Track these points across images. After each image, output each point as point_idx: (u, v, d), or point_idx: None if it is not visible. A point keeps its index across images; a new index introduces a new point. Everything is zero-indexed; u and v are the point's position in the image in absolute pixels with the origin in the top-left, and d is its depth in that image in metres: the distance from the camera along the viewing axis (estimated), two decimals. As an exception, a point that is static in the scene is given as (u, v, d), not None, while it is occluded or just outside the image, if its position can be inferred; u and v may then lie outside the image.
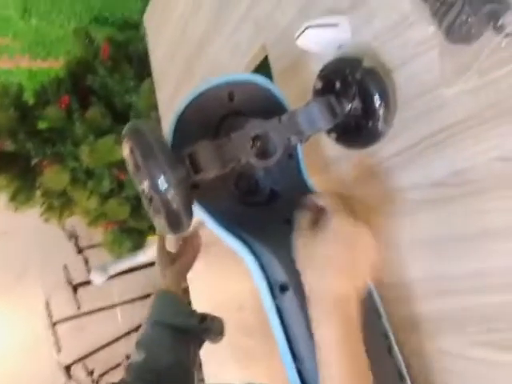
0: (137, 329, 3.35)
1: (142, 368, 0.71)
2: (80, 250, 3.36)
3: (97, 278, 1.11)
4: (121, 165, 1.76)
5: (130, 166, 0.54)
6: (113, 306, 3.29)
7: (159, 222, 0.53)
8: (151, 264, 3.17)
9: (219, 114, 0.64)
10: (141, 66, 1.85)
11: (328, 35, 0.65)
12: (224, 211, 0.61)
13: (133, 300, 3.33)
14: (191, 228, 0.80)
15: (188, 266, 0.90)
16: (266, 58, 0.90)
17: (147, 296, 3.41)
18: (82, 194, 1.81)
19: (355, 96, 0.60)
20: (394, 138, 0.60)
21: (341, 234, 0.51)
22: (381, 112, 0.58)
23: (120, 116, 1.81)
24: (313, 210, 0.57)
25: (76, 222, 3.40)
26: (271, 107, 0.64)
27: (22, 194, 1.80)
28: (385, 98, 0.58)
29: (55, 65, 2.48)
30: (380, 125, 0.58)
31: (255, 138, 0.57)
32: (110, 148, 1.67)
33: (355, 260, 0.50)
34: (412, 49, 0.55)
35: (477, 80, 0.46)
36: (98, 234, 3.44)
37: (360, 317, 0.49)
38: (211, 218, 0.60)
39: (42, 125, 1.90)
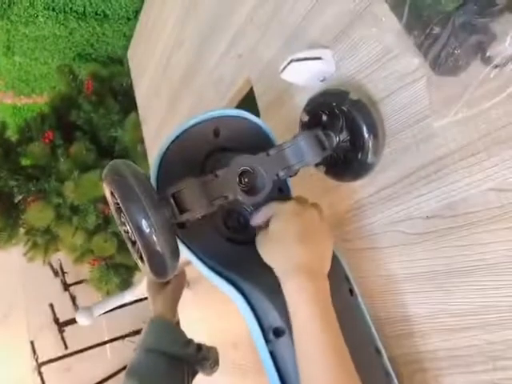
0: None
1: None
2: (67, 287, 3.28)
3: (83, 320, 1.07)
4: (106, 200, 1.73)
5: (112, 209, 0.52)
6: (102, 344, 3.20)
7: (143, 265, 0.50)
8: (141, 299, 3.11)
9: (205, 151, 0.62)
10: (125, 100, 1.85)
11: (312, 68, 0.64)
12: (212, 251, 0.59)
13: (123, 336, 3.24)
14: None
15: (178, 292, 0.89)
16: (251, 91, 0.89)
17: (137, 332, 3.32)
18: (67, 230, 1.77)
19: (343, 128, 0.59)
20: (384, 170, 0.59)
21: (283, 215, 0.52)
22: (370, 144, 0.57)
23: (105, 150, 1.79)
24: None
25: (62, 257, 3.34)
26: (258, 142, 0.62)
27: (4, 233, 1.75)
28: (373, 129, 0.57)
29: (39, 101, 2.47)
30: (369, 157, 0.57)
31: (242, 174, 0.55)
32: (95, 183, 1.64)
33: (304, 230, 0.51)
34: (398, 80, 0.55)
35: (466, 111, 0.45)
36: (85, 270, 3.37)
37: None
38: (198, 259, 0.57)
39: (25, 161, 1.87)
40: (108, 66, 2.29)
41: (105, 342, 3.22)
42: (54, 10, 2.07)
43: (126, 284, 1.90)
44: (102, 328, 3.33)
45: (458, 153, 0.49)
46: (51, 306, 3.10)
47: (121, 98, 1.82)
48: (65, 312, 3.08)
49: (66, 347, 3.05)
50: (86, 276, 3.28)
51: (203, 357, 0.78)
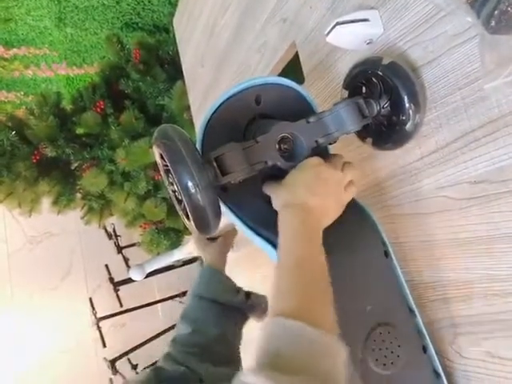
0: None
1: (188, 341, 0.73)
2: (120, 250, 3.47)
3: (135, 276, 1.15)
4: (156, 166, 1.79)
5: (161, 170, 0.56)
6: (153, 303, 3.38)
7: (189, 222, 0.54)
8: (190, 261, 3.24)
9: (246, 118, 0.63)
10: (172, 69, 1.88)
11: (358, 31, 0.63)
12: (252, 213, 0.61)
13: (172, 297, 3.41)
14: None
15: (227, 245, 0.92)
16: (296, 56, 0.89)
17: (186, 293, 3.48)
18: (119, 195, 1.86)
19: (382, 94, 0.59)
20: (431, 134, 0.58)
21: (303, 165, 0.55)
22: (409, 104, 0.57)
23: (153, 118, 1.84)
24: None
25: (116, 221, 3.52)
26: (299, 109, 0.63)
27: (63, 198, 1.86)
28: (410, 89, 0.57)
29: (91, 70, 2.56)
30: (410, 118, 0.57)
31: (282, 140, 0.57)
32: (144, 150, 1.70)
33: (316, 182, 0.54)
34: (448, 41, 0.53)
35: (520, 72, 0.43)
36: (137, 233, 3.54)
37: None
38: (240, 219, 0.60)
39: (79, 130, 1.96)
40: (154, 35, 2.32)
41: (156, 302, 3.39)
42: (101, -21, 2.11)
43: (175, 247, 1.98)
44: (154, 288, 3.51)
45: (511, 115, 0.47)
46: (106, 266, 3.29)
47: (167, 66, 1.85)
48: (119, 272, 3.27)
49: (121, 305, 3.25)
50: (138, 239, 3.45)
51: (252, 304, 0.82)
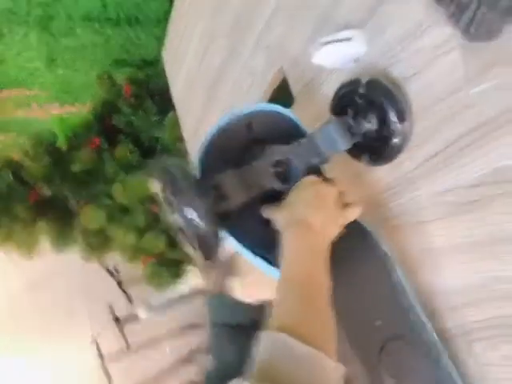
0: (186, 360, 3.36)
1: (214, 377, 0.72)
2: (121, 286, 3.43)
3: (142, 313, 1.14)
4: (153, 199, 1.80)
5: (162, 201, 0.56)
6: (160, 341, 3.32)
7: (192, 250, 0.54)
8: (195, 294, 3.20)
9: (241, 144, 0.65)
10: (162, 101, 1.91)
11: (343, 50, 0.65)
12: (253, 237, 0.62)
13: (180, 331, 3.35)
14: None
15: (230, 270, 0.92)
16: (285, 80, 0.91)
17: (194, 326, 3.43)
18: (118, 230, 1.85)
19: (367, 112, 0.61)
20: (422, 143, 0.59)
21: (300, 185, 0.57)
22: (394, 116, 0.58)
23: (148, 151, 1.86)
24: None
25: (116, 257, 3.49)
26: (289, 132, 0.65)
27: (62, 237, 1.86)
28: (393, 102, 0.58)
29: (83, 109, 2.59)
30: (399, 128, 0.58)
31: (277, 164, 0.58)
32: (141, 183, 1.71)
33: (315, 198, 0.55)
34: (429, 53, 0.54)
35: (503, 74, 0.44)
36: (138, 268, 3.51)
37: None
38: (241, 244, 0.61)
39: (74, 168, 1.97)
40: (143, 69, 2.36)
41: (163, 338, 3.33)
42: (90, 20, 2.16)
43: (176, 277, 1.97)
44: (160, 324, 3.46)
45: (499, 118, 0.48)
46: (110, 305, 3.24)
47: (158, 98, 1.88)
48: (123, 310, 3.23)
49: (128, 345, 3.19)
50: (139, 274, 3.42)
51: (263, 316, 0.82)
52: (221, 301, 0.83)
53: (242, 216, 0.60)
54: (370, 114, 0.61)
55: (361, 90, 0.62)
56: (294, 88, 0.85)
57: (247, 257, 0.60)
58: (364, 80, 0.61)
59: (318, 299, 0.47)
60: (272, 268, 0.58)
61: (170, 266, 1.93)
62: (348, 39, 0.64)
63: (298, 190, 0.57)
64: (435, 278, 0.62)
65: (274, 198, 0.63)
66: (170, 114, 1.74)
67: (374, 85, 0.61)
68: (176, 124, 1.75)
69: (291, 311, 0.46)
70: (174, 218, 0.54)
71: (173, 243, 1.90)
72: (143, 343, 3.17)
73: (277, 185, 0.58)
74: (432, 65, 0.54)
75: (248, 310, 0.82)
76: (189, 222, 0.48)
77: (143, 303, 1.13)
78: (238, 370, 0.73)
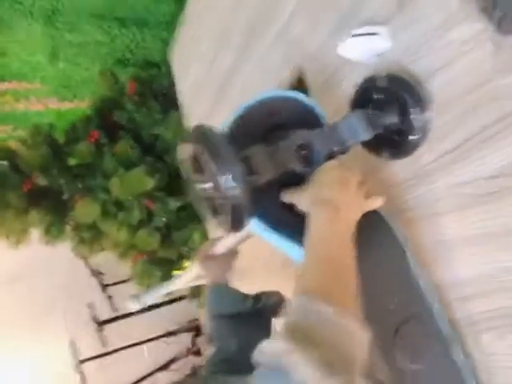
0: (164, 366, 3.30)
1: (214, 361, 0.73)
2: (104, 288, 3.37)
3: (132, 306, 1.12)
4: (150, 194, 1.80)
5: (190, 169, 0.57)
6: (139, 344, 3.26)
7: (220, 220, 0.55)
8: (176, 300, 3.16)
9: (264, 127, 0.66)
10: (165, 101, 1.92)
11: (368, 43, 0.67)
12: (272, 218, 0.63)
13: (159, 337, 3.30)
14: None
15: (229, 263, 0.94)
16: (299, 79, 0.93)
17: (172, 333, 3.38)
18: (111, 225, 1.84)
19: (388, 106, 0.64)
20: (442, 137, 0.61)
21: (324, 169, 0.59)
22: (414, 109, 0.61)
23: (147, 148, 1.86)
24: None
25: (100, 259, 3.45)
26: (309, 121, 0.67)
27: (54, 228, 1.83)
28: (414, 95, 0.61)
29: (82, 105, 2.58)
30: (419, 122, 0.61)
31: (300, 147, 0.60)
32: (139, 179, 1.71)
33: (338, 182, 0.57)
34: (455, 48, 0.57)
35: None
36: (121, 271, 3.47)
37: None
38: (263, 222, 0.62)
39: (71, 161, 1.96)
40: (146, 70, 2.38)
41: (142, 342, 3.28)
42: (98, 17, 2.17)
43: (167, 278, 1.94)
44: (139, 328, 3.40)
45: (523, 111, 0.51)
46: (90, 305, 3.19)
47: (161, 98, 1.89)
48: (103, 311, 3.17)
49: (105, 346, 3.13)
50: (123, 277, 3.38)
51: (264, 305, 0.82)
52: (221, 291, 0.86)
53: (261, 199, 0.61)
54: (391, 108, 0.64)
55: (382, 85, 0.64)
56: (313, 84, 0.87)
57: (267, 235, 0.61)
58: (385, 74, 0.64)
59: (344, 272, 0.49)
60: (291, 244, 0.60)
61: (161, 264, 1.92)
62: (374, 34, 0.67)
63: (322, 172, 0.59)
64: (446, 269, 0.63)
65: (291, 184, 0.65)
66: (173, 113, 1.75)
67: (395, 79, 0.63)
68: (178, 123, 1.76)
69: (319, 280, 0.47)
70: (203, 187, 0.54)
71: (166, 241, 1.89)
72: (121, 345, 3.12)
73: (299, 167, 0.59)
74: (458, 59, 0.57)
75: (247, 300, 0.83)
76: (225, 188, 0.49)
77: (133, 298, 1.12)
78: (239, 354, 0.73)
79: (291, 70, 0.92)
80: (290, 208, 0.64)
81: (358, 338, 0.42)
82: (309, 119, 0.67)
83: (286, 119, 0.66)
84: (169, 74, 2.07)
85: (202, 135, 0.52)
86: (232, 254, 0.95)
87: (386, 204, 0.71)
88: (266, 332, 0.83)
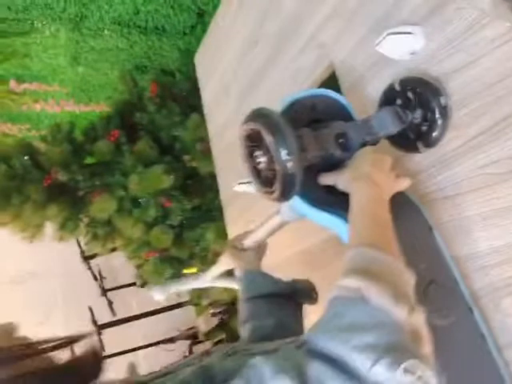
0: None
1: (253, 338, 0.77)
2: (104, 292, 3.39)
3: (157, 296, 1.16)
4: (167, 193, 1.86)
5: (244, 148, 0.64)
6: (136, 349, 3.26)
7: (268, 192, 0.63)
8: (175, 307, 3.19)
9: (304, 120, 0.75)
10: (184, 105, 2.00)
11: (405, 42, 0.76)
12: (315, 196, 0.70)
13: (157, 343, 3.31)
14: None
15: (262, 252, 0.99)
16: (328, 78, 1.01)
17: (171, 340, 3.39)
18: (126, 222, 1.89)
19: (415, 105, 0.73)
20: (473, 122, 0.69)
21: (363, 151, 0.69)
22: (438, 110, 0.70)
23: (166, 148, 1.93)
24: None
25: (101, 262, 3.48)
26: (344, 117, 0.75)
27: (70, 223, 1.88)
28: (439, 93, 0.70)
29: (96, 108, 2.67)
30: (444, 117, 0.70)
31: (338, 136, 0.69)
32: (158, 176, 1.77)
33: (376, 161, 0.66)
34: (486, 44, 0.66)
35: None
36: (122, 275, 3.49)
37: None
38: (307, 201, 0.69)
39: (89, 160, 2.02)
40: (160, 77, 2.47)
41: (139, 348, 3.28)
42: (119, 24, 2.26)
43: (177, 276, 1.99)
44: (137, 334, 3.41)
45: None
46: (90, 309, 3.19)
47: (180, 101, 1.97)
48: (103, 316, 3.18)
49: (104, 350, 3.12)
50: (123, 281, 3.40)
51: (296, 288, 0.88)
52: (256, 276, 0.91)
53: (303, 182, 0.69)
54: (418, 105, 0.72)
55: (410, 84, 0.73)
56: (344, 82, 0.95)
57: (313, 212, 0.68)
58: (413, 74, 0.72)
59: (388, 230, 0.56)
60: (334, 217, 0.67)
61: (172, 263, 1.97)
62: (409, 33, 0.75)
63: (361, 154, 0.67)
64: (470, 242, 0.70)
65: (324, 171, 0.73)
66: (194, 116, 1.83)
67: (422, 80, 0.72)
68: (198, 126, 1.84)
69: (372, 235, 0.54)
70: (258, 160, 0.62)
71: (179, 240, 1.94)
72: (118, 349, 3.11)
73: (338, 152, 0.68)
74: (488, 54, 0.65)
75: (280, 283, 0.89)
76: (282, 161, 0.57)
77: (159, 288, 1.16)
78: (275, 333, 0.78)
79: (323, 69, 1.01)
80: (327, 190, 0.72)
81: (412, 282, 0.49)
82: (342, 114, 0.76)
83: (324, 113, 0.75)
84: (187, 80, 2.17)
85: (264, 115, 0.60)
86: (262, 246, 1.01)
87: (412, 187, 0.79)
88: (296, 314, 0.87)
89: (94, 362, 0.51)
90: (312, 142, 0.67)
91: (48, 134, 1.97)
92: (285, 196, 0.63)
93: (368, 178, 0.63)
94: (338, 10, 0.96)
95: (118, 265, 3.65)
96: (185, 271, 2.14)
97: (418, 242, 0.71)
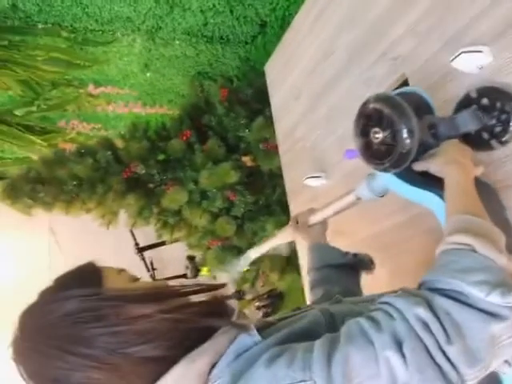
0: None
1: (324, 299, 0.90)
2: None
3: (243, 263, 1.35)
4: (232, 187, 2.06)
5: (357, 127, 0.81)
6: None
7: (380, 164, 0.79)
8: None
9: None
10: (248, 109, 2.21)
11: (475, 59, 0.92)
12: (413, 178, 0.85)
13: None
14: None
15: (326, 228, 1.15)
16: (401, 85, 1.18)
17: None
18: (195, 212, 2.10)
19: (494, 111, 0.88)
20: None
21: (448, 141, 0.82)
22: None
23: (232, 148, 2.14)
24: None
25: (154, 255, 3.72)
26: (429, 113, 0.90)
27: (146, 211, 2.10)
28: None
29: (159, 111, 2.92)
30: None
31: (430, 126, 0.84)
32: (226, 172, 1.98)
33: (461, 150, 0.79)
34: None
35: None
36: (171, 267, 3.73)
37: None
38: (406, 181, 0.84)
39: (161, 157, 2.25)
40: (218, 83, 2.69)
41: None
42: (189, 34, 2.50)
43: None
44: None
45: None
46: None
47: (246, 105, 2.17)
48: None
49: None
50: (171, 274, 3.63)
51: (360, 259, 1.04)
52: (322, 248, 1.08)
53: None
54: (492, 109, 0.87)
55: (486, 92, 0.88)
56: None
57: (410, 189, 0.84)
58: (489, 84, 0.88)
59: (480, 203, 0.69)
60: (432, 194, 0.82)
61: (233, 252, 2.16)
62: (479, 51, 0.91)
63: (449, 144, 0.82)
64: None
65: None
66: (259, 118, 2.03)
67: (497, 88, 0.87)
68: (262, 127, 2.03)
69: (471, 205, 0.67)
70: (377, 136, 0.77)
71: (240, 230, 2.14)
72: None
73: (430, 140, 0.83)
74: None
75: (346, 255, 1.06)
76: (403, 139, 0.72)
77: (244, 255, 1.34)
78: (342, 295, 0.95)
79: (396, 77, 1.18)
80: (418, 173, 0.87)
81: (504, 239, 0.59)
82: (427, 110, 0.91)
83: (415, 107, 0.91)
84: (250, 86, 2.37)
85: (390, 97, 0.75)
86: (324, 223, 1.17)
87: (483, 175, 0.95)
88: (358, 282, 1.03)
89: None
90: (418, 128, 0.77)
91: (126, 133, 2.20)
92: (395, 168, 0.77)
93: (459, 163, 0.76)
94: (413, 28, 1.13)
95: (166, 258, 3.93)
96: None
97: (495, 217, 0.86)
